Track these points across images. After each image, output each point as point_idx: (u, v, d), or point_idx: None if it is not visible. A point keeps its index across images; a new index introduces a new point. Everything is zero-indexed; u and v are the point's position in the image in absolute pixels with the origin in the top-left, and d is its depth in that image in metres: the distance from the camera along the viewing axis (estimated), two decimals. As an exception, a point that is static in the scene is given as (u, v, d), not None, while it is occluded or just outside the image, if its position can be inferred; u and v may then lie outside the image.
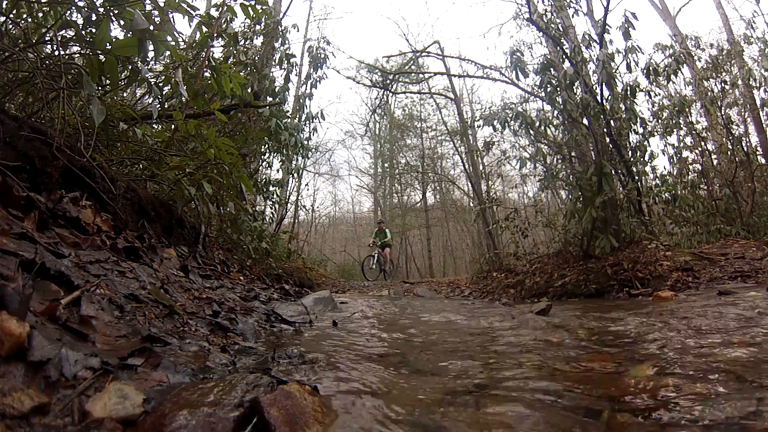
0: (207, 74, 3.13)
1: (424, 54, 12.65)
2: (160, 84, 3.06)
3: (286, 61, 6.90)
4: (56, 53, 1.95)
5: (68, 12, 2.00)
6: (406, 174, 20.58)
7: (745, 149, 7.91)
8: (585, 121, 6.07)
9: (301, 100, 8.49)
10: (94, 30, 1.92)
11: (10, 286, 0.79)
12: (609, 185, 5.23)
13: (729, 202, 7.34)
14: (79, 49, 2.07)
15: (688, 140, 8.61)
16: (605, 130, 5.68)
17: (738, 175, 7.49)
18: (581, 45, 6.22)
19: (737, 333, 1.46)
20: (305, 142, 7.46)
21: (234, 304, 1.93)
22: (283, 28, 7.02)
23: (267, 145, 6.35)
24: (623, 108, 5.88)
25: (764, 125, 8.68)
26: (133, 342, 0.97)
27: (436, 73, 14.12)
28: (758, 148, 8.68)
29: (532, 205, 9.75)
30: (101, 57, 1.76)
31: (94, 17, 1.92)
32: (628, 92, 5.81)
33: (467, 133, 13.45)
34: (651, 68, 6.00)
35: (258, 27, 6.48)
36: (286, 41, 7.03)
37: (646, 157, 6.44)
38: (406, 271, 19.64)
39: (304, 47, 10.74)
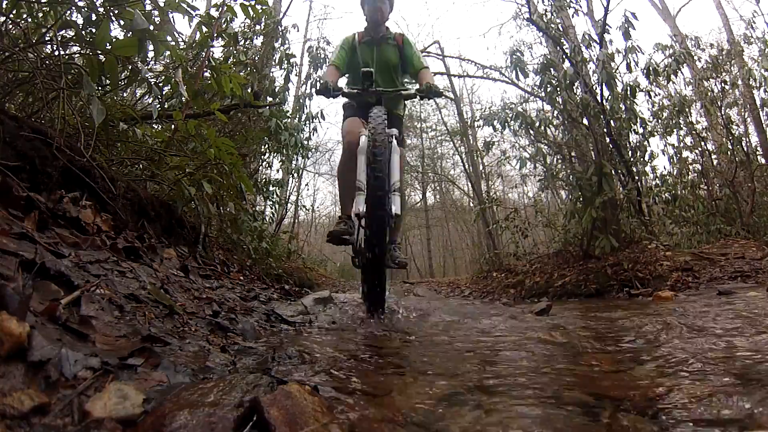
0: (207, 74, 3.13)
1: (424, 54, 12.64)
2: (160, 84, 3.05)
3: (286, 61, 6.89)
4: (56, 53, 1.94)
5: (68, 12, 2.00)
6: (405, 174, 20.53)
7: (745, 149, 7.90)
8: (585, 121, 6.07)
9: (301, 100, 8.48)
10: (94, 30, 1.91)
11: (10, 286, 0.79)
12: (609, 185, 5.23)
13: (729, 202, 7.34)
14: (79, 49, 2.07)
15: (688, 140, 8.61)
16: (605, 130, 5.68)
17: (738, 175, 7.48)
18: (581, 45, 6.22)
19: (737, 333, 1.46)
20: (305, 142, 7.45)
21: (234, 304, 1.93)
22: (283, 28, 7.01)
23: (267, 145, 6.34)
24: (623, 108, 5.87)
25: (764, 125, 8.68)
26: (133, 342, 0.97)
27: (436, 73, 14.07)
28: (758, 148, 8.67)
29: (532, 205, 9.74)
30: (101, 57, 1.76)
31: (94, 17, 1.91)
32: (628, 92, 5.81)
33: (467, 133, 13.45)
34: (651, 68, 5.99)
35: (258, 27, 6.47)
36: (286, 41, 7.02)
37: (646, 157, 6.44)
38: (406, 271, 19.64)
39: (304, 47, 10.76)
